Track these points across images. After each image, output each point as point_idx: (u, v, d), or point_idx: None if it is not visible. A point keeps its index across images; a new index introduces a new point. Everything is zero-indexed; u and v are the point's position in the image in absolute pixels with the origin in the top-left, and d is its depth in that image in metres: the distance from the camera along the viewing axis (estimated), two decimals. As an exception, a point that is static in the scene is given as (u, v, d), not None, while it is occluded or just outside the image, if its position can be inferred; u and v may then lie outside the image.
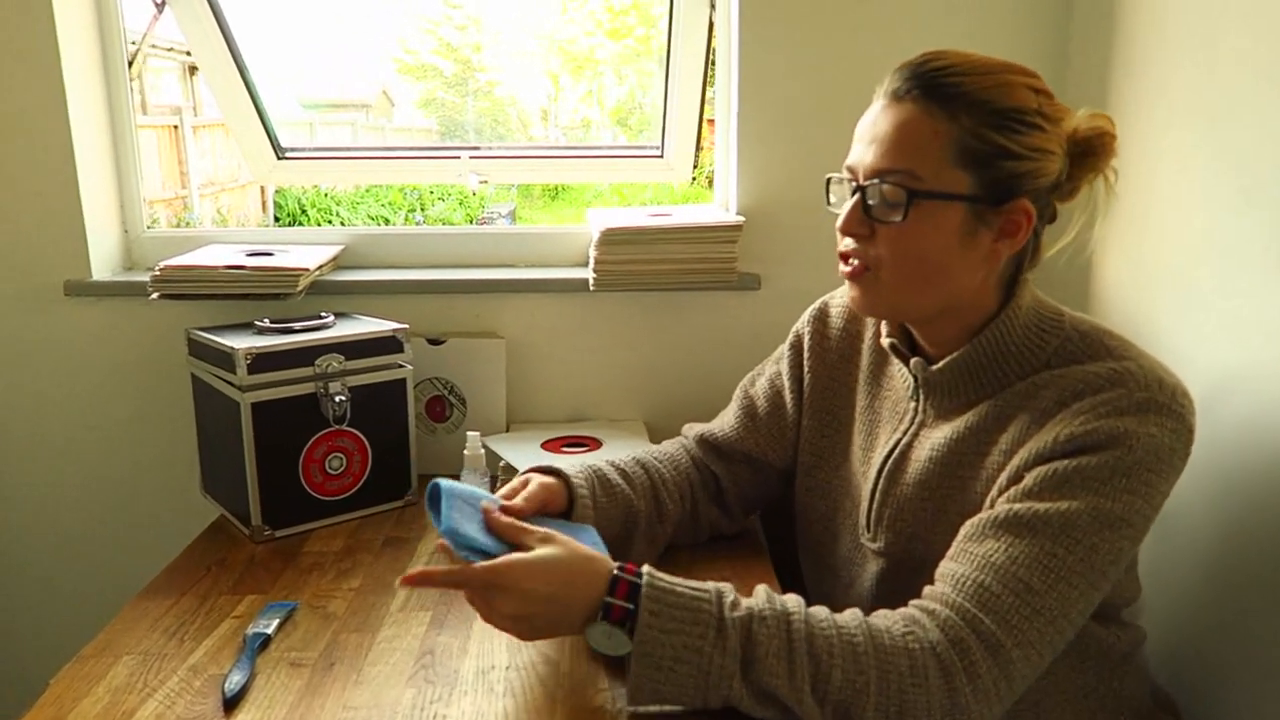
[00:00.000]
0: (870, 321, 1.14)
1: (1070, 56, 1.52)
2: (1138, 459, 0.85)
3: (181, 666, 0.99)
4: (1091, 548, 0.84)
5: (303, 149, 1.93)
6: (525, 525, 0.94)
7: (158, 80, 6.44)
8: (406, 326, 1.41)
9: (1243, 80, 1.13)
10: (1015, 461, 0.91)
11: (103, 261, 1.59)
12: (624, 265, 1.49)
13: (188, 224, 5.82)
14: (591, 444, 1.49)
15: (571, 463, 1.18)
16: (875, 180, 0.93)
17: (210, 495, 1.44)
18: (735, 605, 0.86)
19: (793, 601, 0.88)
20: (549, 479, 1.09)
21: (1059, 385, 0.91)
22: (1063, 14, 1.52)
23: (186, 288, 1.45)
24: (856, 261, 0.97)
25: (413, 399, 1.41)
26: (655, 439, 1.53)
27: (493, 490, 1.24)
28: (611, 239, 1.48)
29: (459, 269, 1.64)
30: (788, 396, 1.20)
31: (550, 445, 1.48)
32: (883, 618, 0.87)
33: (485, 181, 1.94)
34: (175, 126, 6.30)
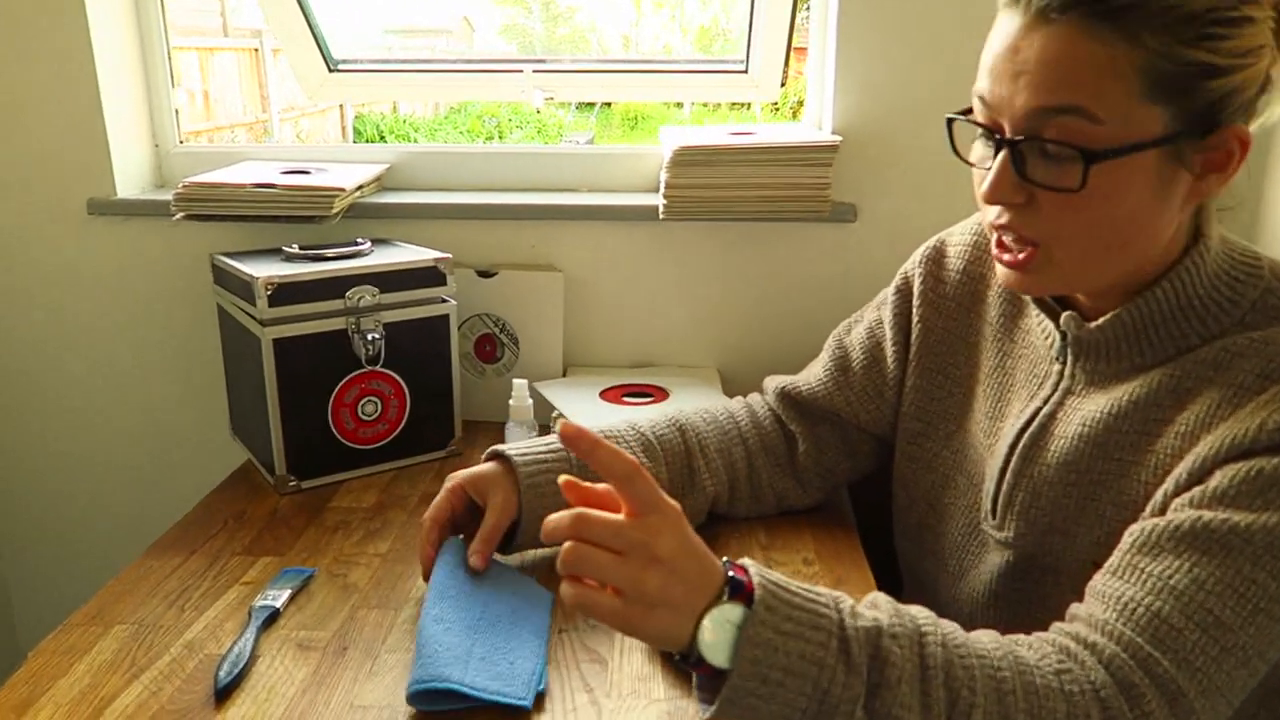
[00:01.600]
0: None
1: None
2: None
3: (176, 642, 0.86)
4: None
5: (355, 61, 1.76)
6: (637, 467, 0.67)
7: (239, 2, 6.36)
8: (449, 256, 1.24)
9: None
10: (1201, 450, 0.71)
11: (129, 178, 1.46)
12: (699, 191, 1.30)
13: (264, 149, 5.76)
14: (657, 394, 1.32)
15: (624, 417, 1.02)
16: (1030, 137, 0.71)
17: (239, 438, 1.31)
18: (856, 614, 0.68)
19: (923, 615, 0.70)
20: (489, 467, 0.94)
21: (1262, 355, 0.72)
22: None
23: (212, 207, 1.31)
24: (1017, 246, 0.77)
25: (457, 337, 1.25)
26: (730, 390, 1.35)
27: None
28: (685, 159, 1.29)
29: (514, 193, 1.46)
30: (889, 350, 1.02)
31: (610, 394, 1.32)
32: (1029, 647, 0.69)
33: (550, 98, 1.76)
34: (256, 50, 6.23)
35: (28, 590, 1.65)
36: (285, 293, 1.13)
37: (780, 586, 0.67)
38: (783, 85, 1.66)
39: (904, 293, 1.01)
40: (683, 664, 0.67)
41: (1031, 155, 0.72)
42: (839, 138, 1.31)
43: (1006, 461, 0.87)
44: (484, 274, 1.39)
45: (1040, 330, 0.87)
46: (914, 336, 0.99)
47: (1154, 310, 0.77)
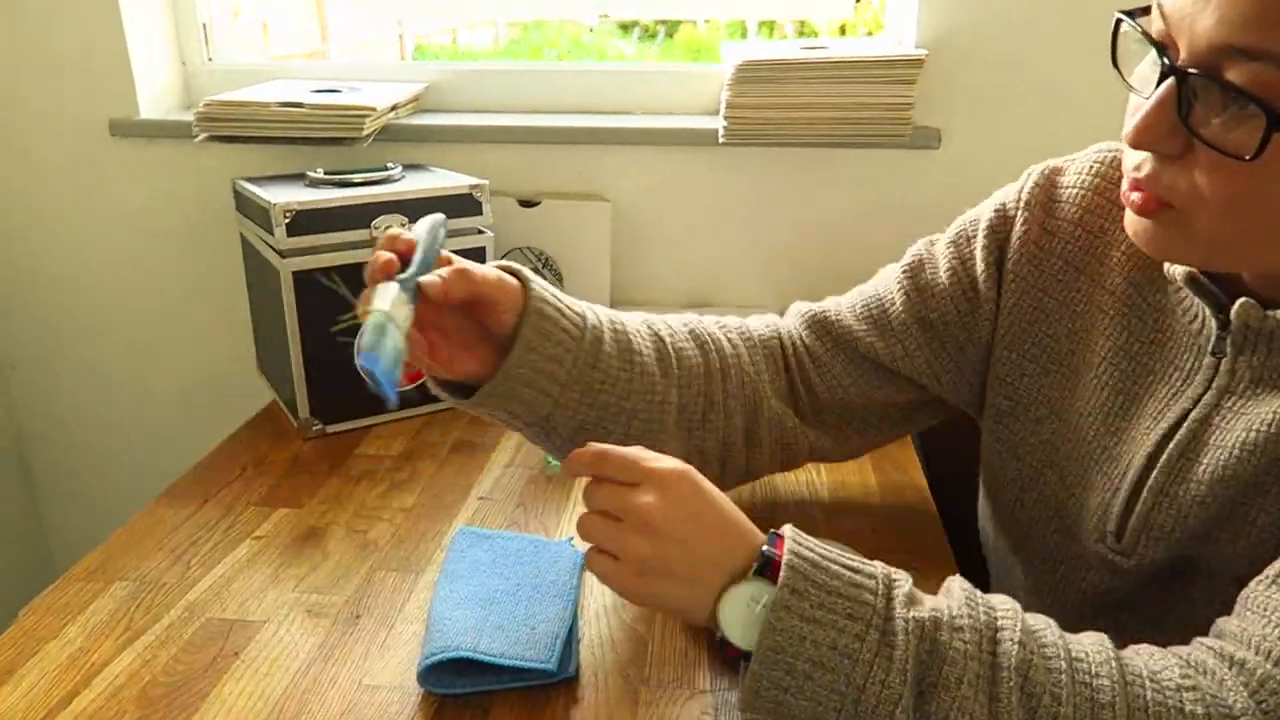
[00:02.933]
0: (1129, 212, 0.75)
1: None
2: None
3: (178, 603, 0.79)
4: None
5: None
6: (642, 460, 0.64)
7: (298, -70, 6.25)
8: (486, 183, 1.13)
9: None
10: None
11: (154, 98, 1.37)
12: (764, 111, 1.16)
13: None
14: (712, 337, 1.21)
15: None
16: (1208, 74, 0.56)
17: (265, 375, 1.23)
18: (912, 601, 0.58)
19: (1004, 606, 0.59)
20: (505, 276, 0.73)
21: None
22: None
23: (235, 128, 1.21)
24: (1148, 185, 0.62)
25: (495, 272, 1.15)
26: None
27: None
28: (749, 75, 1.15)
29: (562, 115, 1.34)
30: (982, 301, 0.81)
31: (661, 337, 1.20)
32: (1148, 656, 0.57)
33: (606, 16, 1.62)
34: (316, -23, 6.13)
35: (60, 516, 1.62)
36: (305, 221, 1.03)
37: (816, 562, 0.58)
38: (857, 1, 1.50)
39: (999, 234, 0.80)
40: (721, 648, 0.59)
41: (1205, 96, 0.57)
42: (924, 52, 1.15)
43: (1143, 475, 0.71)
44: (526, 203, 1.28)
45: (1184, 311, 0.70)
46: (1005, 293, 0.80)
47: None
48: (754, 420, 0.84)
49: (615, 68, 1.40)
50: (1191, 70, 0.56)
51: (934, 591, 0.62)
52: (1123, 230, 0.73)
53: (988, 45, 1.20)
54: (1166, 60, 0.58)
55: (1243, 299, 0.65)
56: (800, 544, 0.59)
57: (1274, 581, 0.58)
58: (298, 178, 1.15)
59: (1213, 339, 0.68)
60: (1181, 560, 0.70)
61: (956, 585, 0.61)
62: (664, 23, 2.24)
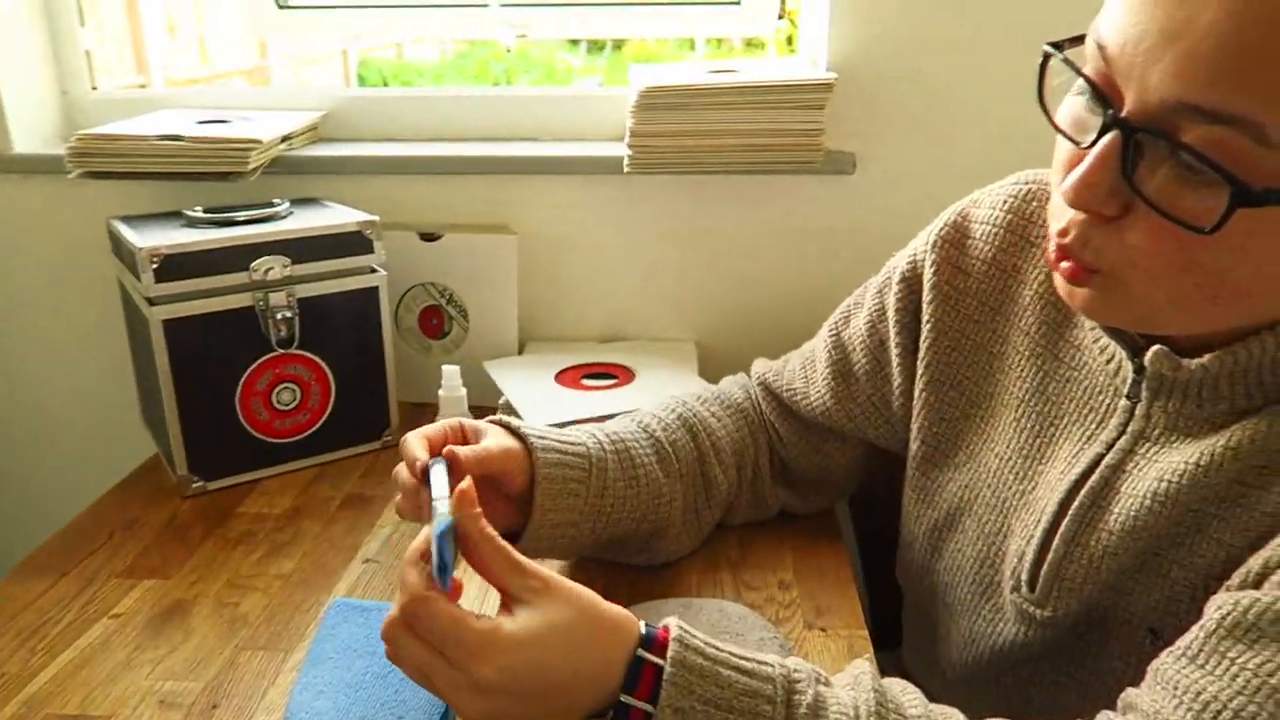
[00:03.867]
0: (1039, 253, 0.72)
1: None
2: None
3: (14, 698, 0.72)
4: None
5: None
6: (522, 562, 0.57)
7: (235, -59, 6.12)
8: (376, 219, 1.07)
9: None
10: None
11: (29, 130, 1.28)
12: (670, 139, 1.11)
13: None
14: (622, 375, 1.15)
15: (591, 408, 0.87)
16: (1161, 133, 0.50)
17: (149, 427, 1.16)
18: (819, 707, 0.54)
19: (911, 707, 0.55)
20: (510, 442, 0.74)
21: None
22: None
23: (110, 164, 1.14)
24: (1072, 252, 0.57)
25: (389, 312, 1.09)
26: (708, 368, 1.18)
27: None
28: (654, 102, 1.10)
29: (466, 143, 1.28)
30: (893, 352, 0.81)
31: (567, 376, 1.15)
32: None
33: (524, 35, 1.56)
34: (253, -8, 6.00)
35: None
36: (176, 265, 0.96)
37: (704, 675, 0.54)
38: (780, 18, 1.47)
39: (911, 282, 0.79)
40: None
41: (1153, 154, 0.51)
42: (834, 75, 1.11)
43: (1055, 523, 0.67)
44: (428, 237, 1.22)
45: (1099, 351, 0.67)
46: (923, 337, 0.78)
47: (1278, 349, 0.57)
48: (741, 487, 0.88)
49: (523, 93, 1.34)
50: (1142, 128, 0.50)
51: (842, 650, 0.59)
52: (1035, 268, 0.72)
53: (901, 68, 1.16)
54: (1110, 112, 0.52)
55: (1156, 348, 0.61)
56: (686, 651, 0.54)
57: (1190, 658, 0.54)
58: (174, 216, 1.07)
59: (1129, 382, 0.64)
60: (1097, 611, 0.66)
61: (862, 671, 0.58)
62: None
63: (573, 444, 0.77)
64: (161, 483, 1.04)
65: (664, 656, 0.54)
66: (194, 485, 1.01)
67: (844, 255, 1.23)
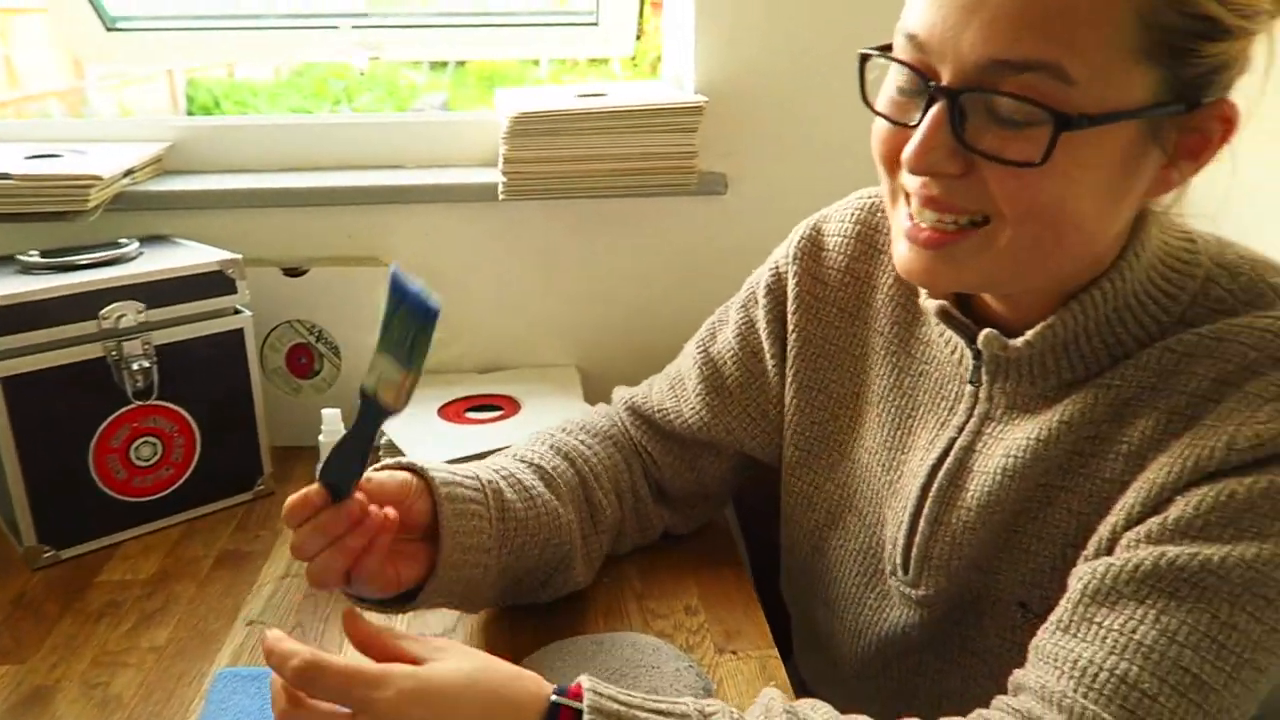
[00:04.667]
0: (889, 256, 0.76)
1: None
2: None
3: None
4: None
5: (136, 18, 1.48)
6: (402, 639, 0.59)
7: (42, -43, 5.71)
8: (238, 258, 1.01)
9: None
10: (1156, 475, 0.59)
11: None
12: (543, 165, 1.10)
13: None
14: (507, 406, 1.13)
15: (480, 442, 0.85)
16: (979, 88, 0.56)
17: (-14, 492, 1.05)
18: None
19: None
20: (401, 474, 0.72)
21: (1215, 354, 0.60)
22: None
23: (-72, 206, 1.03)
24: (944, 220, 0.60)
25: (257, 354, 1.03)
26: (592, 392, 1.17)
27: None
28: (525, 128, 1.09)
29: (327, 172, 1.23)
30: (768, 361, 0.84)
31: (450, 410, 1.12)
32: None
33: (376, 57, 1.52)
34: (66, 10, 5.61)
35: None
36: (14, 317, 0.88)
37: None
38: (638, 38, 1.48)
39: (776, 293, 0.83)
40: None
41: (975, 114, 0.57)
42: (704, 98, 1.13)
43: (919, 506, 0.72)
44: (292, 272, 1.16)
45: (945, 343, 0.72)
46: (790, 346, 0.82)
47: (1088, 318, 0.63)
48: (624, 510, 0.86)
49: (386, 120, 1.30)
50: (961, 89, 0.56)
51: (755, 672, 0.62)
52: (885, 273, 0.78)
53: (769, 88, 1.19)
54: (932, 85, 0.57)
55: (986, 330, 0.66)
56: (600, 700, 0.55)
57: (1062, 629, 0.58)
58: (7, 262, 0.98)
59: (969, 368, 0.70)
60: (969, 591, 0.70)
61: (778, 704, 0.59)
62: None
63: (464, 473, 0.75)
64: (6, 555, 0.95)
65: (574, 702, 0.55)
66: (44, 556, 0.92)
67: (719, 272, 1.23)
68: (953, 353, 0.71)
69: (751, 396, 0.85)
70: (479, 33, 1.56)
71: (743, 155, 1.21)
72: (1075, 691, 0.55)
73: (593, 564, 0.84)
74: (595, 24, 1.44)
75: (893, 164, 0.62)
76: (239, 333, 1.01)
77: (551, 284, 1.25)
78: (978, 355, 0.68)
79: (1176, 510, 0.57)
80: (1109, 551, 0.60)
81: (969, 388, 0.70)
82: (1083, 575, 0.59)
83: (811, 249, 0.81)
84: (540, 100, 1.14)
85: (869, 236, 0.79)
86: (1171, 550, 0.56)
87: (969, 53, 0.55)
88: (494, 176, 1.16)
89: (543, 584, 0.81)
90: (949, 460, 0.70)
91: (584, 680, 0.56)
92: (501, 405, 1.13)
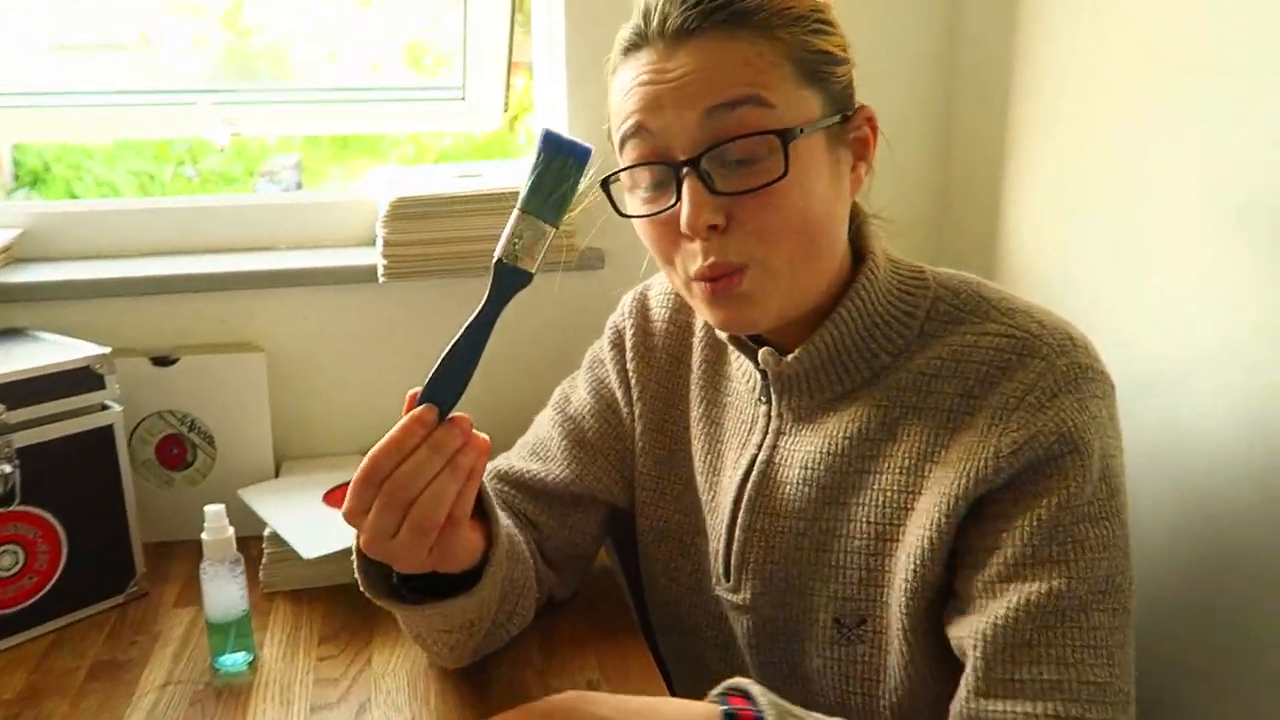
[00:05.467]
0: None
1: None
2: (1102, 453, 0.68)
3: None
4: (1116, 589, 0.67)
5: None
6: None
7: None
8: (107, 352, 0.98)
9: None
10: (945, 489, 0.69)
11: None
12: (423, 247, 1.11)
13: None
14: (395, 488, 1.12)
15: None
16: (712, 147, 0.67)
17: None
18: None
19: None
20: None
21: (955, 372, 0.72)
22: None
23: None
24: (726, 266, 0.70)
25: (127, 450, 0.99)
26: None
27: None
28: (405, 212, 1.10)
29: (196, 256, 1.20)
30: (623, 408, 0.92)
31: (336, 495, 1.10)
32: None
33: (237, 134, 1.50)
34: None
35: None
36: None
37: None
38: (506, 110, 1.51)
39: (618, 346, 0.93)
40: None
41: (716, 170, 0.68)
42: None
43: (733, 517, 0.81)
44: (162, 361, 1.12)
45: (741, 374, 0.83)
46: (633, 390, 0.91)
47: (843, 333, 0.75)
48: (529, 584, 0.87)
49: (257, 201, 1.29)
50: (699, 154, 0.67)
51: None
52: (698, 321, 0.89)
53: (636, 168, 1.23)
54: (676, 163, 0.68)
55: (763, 349, 0.77)
56: (781, 708, 0.63)
57: (982, 695, 0.66)
58: None
59: (758, 389, 0.80)
60: (788, 608, 0.79)
61: None
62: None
63: None
64: None
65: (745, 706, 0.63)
66: (-108, 681, 0.85)
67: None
68: (746, 380, 0.82)
69: (612, 445, 0.92)
70: (342, 107, 1.57)
71: (617, 230, 1.23)
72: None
73: (533, 609, 0.87)
74: (462, 98, 1.47)
75: (670, 252, 0.73)
76: (108, 429, 0.97)
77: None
78: (765, 375, 0.78)
79: (1009, 548, 0.67)
80: (934, 571, 0.70)
81: (762, 407, 0.81)
82: (975, 642, 0.67)
83: (640, 308, 0.93)
84: (418, 182, 1.15)
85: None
86: (1027, 589, 0.66)
87: (692, 120, 0.67)
88: (372, 258, 1.17)
89: (510, 615, 0.84)
90: (754, 473, 0.80)
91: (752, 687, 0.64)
92: (388, 487, 1.12)
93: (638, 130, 0.69)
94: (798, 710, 0.64)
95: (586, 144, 0.67)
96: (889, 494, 0.73)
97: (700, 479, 0.86)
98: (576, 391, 0.95)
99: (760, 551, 0.79)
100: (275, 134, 1.61)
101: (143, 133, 1.53)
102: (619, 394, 0.92)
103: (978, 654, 0.66)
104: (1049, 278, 1.13)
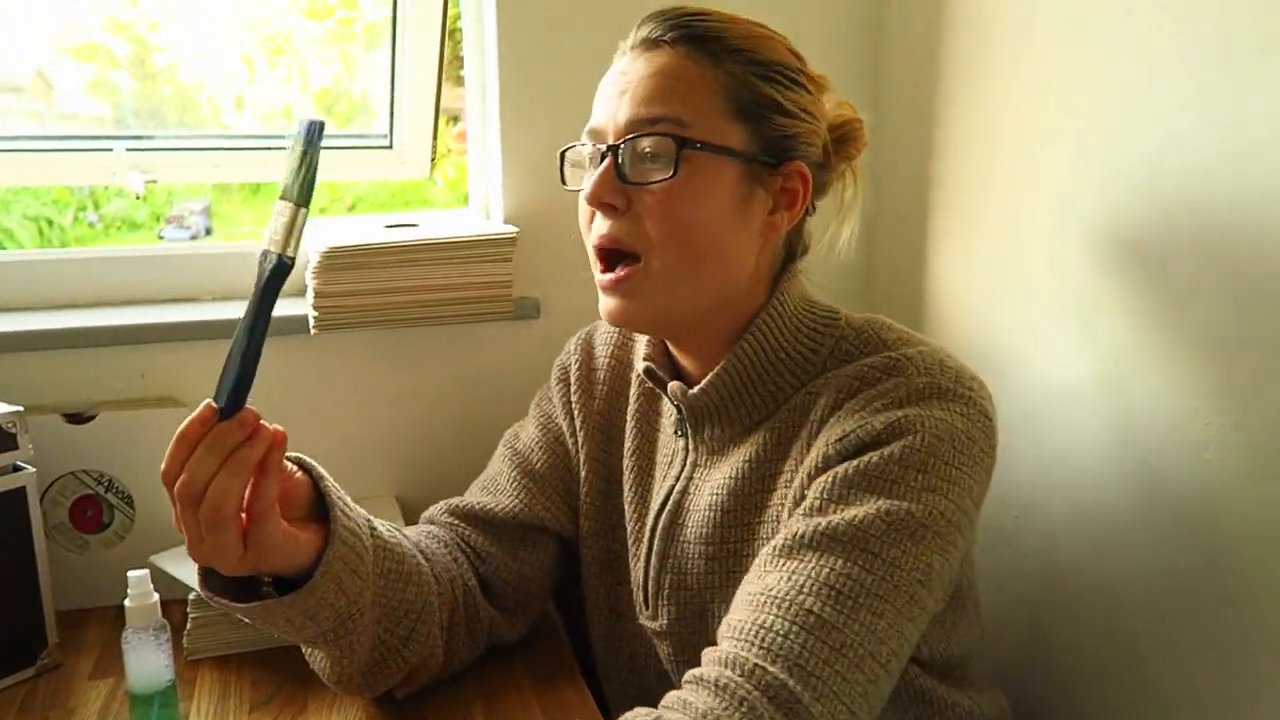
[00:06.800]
0: (641, 348, 0.91)
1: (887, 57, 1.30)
2: (929, 447, 0.70)
3: None
4: (892, 562, 0.67)
5: None
6: None
7: None
8: (19, 411, 0.93)
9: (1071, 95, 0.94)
10: (797, 482, 0.75)
11: None
12: (356, 298, 1.09)
13: None
14: (326, 546, 1.08)
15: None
16: (632, 136, 0.76)
17: None
18: None
19: None
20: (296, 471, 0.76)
21: (832, 388, 0.77)
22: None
23: None
24: (611, 240, 0.78)
25: (40, 514, 0.94)
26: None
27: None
28: (336, 263, 1.08)
29: (111, 308, 1.16)
30: (569, 440, 0.97)
31: (266, 556, 1.05)
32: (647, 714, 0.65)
33: (153, 181, 1.46)
34: None
35: None
36: None
37: None
38: (433, 160, 1.50)
39: (564, 382, 0.98)
40: None
41: (630, 159, 0.76)
42: (514, 229, 1.16)
43: (650, 547, 0.85)
44: (76, 418, 1.07)
45: (667, 414, 0.88)
46: (576, 422, 0.95)
47: (746, 365, 0.80)
48: (455, 594, 0.87)
49: (174, 251, 1.25)
50: (619, 142, 0.77)
51: None
52: (637, 356, 0.91)
53: (572, 217, 1.23)
54: (601, 148, 0.78)
55: (673, 383, 0.82)
56: None
57: (732, 608, 0.69)
58: None
59: (676, 423, 0.86)
60: (702, 635, 0.80)
61: None
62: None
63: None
64: None
65: None
66: None
67: (534, 391, 1.27)
68: (670, 418, 0.87)
69: (560, 476, 0.95)
70: (263, 155, 1.54)
71: (553, 279, 1.25)
72: (727, 646, 0.65)
73: (441, 640, 0.84)
74: (389, 146, 1.45)
75: (586, 226, 0.80)
76: (20, 491, 0.92)
77: (367, 414, 1.22)
78: (680, 411, 0.83)
79: (807, 500, 0.71)
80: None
81: (680, 440, 0.85)
82: (773, 542, 0.70)
83: (586, 346, 0.98)
84: (350, 233, 1.13)
85: (629, 334, 0.96)
86: (799, 525, 0.69)
87: (621, 120, 0.77)
88: (301, 308, 1.14)
89: (406, 639, 0.81)
90: (669, 504, 0.85)
91: None
92: (319, 545, 1.08)
93: (594, 117, 0.80)
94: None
95: (317, 119, 0.68)
96: (779, 508, 0.77)
97: (629, 509, 0.90)
98: (525, 429, 0.99)
99: (674, 578, 0.84)
100: (194, 181, 1.56)
101: (55, 181, 1.47)
102: (564, 427, 0.96)
103: (766, 550, 0.70)
104: (953, 310, 1.18)
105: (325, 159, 1.53)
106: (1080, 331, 0.98)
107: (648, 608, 0.86)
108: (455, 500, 0.95)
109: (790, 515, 0.73)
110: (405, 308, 1.11)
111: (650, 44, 0.78)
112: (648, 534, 0.86)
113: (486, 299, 1.14)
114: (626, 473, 0.91)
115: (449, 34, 1.35)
